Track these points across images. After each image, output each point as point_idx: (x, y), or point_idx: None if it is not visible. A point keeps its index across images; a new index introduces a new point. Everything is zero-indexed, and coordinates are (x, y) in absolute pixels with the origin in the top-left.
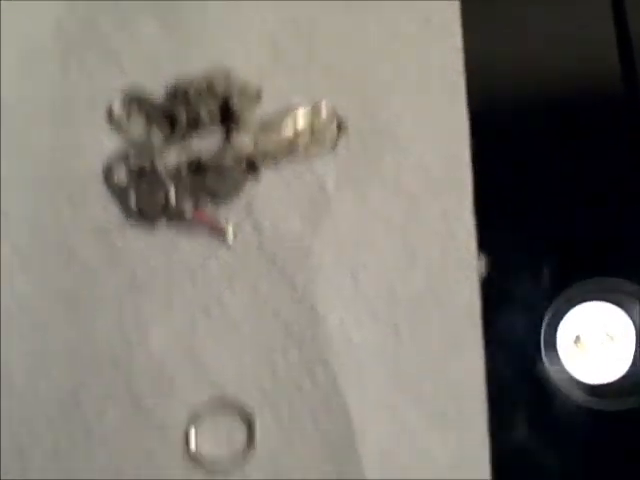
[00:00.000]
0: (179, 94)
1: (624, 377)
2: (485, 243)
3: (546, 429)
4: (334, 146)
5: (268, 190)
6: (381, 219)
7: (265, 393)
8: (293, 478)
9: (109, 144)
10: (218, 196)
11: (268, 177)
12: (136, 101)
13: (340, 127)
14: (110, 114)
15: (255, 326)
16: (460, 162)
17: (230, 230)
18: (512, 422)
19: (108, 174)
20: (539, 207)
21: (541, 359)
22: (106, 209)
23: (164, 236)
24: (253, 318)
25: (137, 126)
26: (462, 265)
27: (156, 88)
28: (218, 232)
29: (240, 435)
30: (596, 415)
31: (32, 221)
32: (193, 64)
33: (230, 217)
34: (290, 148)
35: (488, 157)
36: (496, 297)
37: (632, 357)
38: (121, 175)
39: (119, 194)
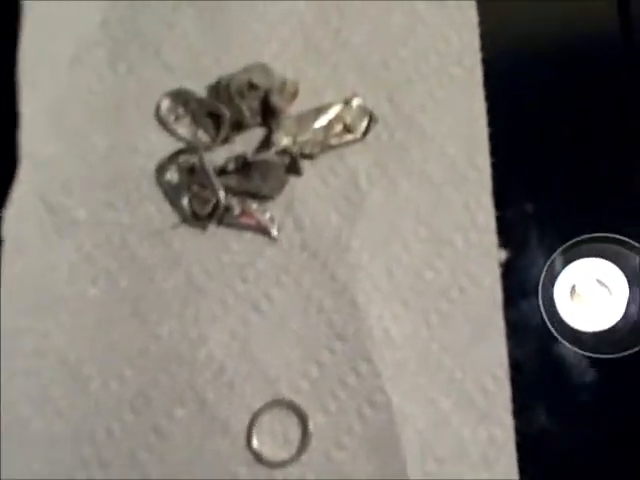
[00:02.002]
0: (221, 91)
1: (617, 326)
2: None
3: (545, 375)
4: (364, 137)
5: (306, 186)
6: (410, 212)
7: (314, 389)
8: (343, 474)
9: (159, 143)
10: (263, 195)
11: (305, 173)
12: (182, 101)
13: (371, 119)
14: (158, 114)
15: (302, 321)
16: (480, 150)
17: (275, 228)
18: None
19: (160, 174)
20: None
21: (540, 313)
22: (161, 210)
23: (215, 236)
24: (299, 313)
25: (184, 126)
26: (483, 254)
27: (198, 84)
28: (263, 231)
29: (294, 432)
30: (592, 361)
31: (95, 223)
32: (231, 59)
33: (273, 214)
34: (324, 142)
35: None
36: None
37: (624, 307)
38: (173, 175)
39: (172, 195)
